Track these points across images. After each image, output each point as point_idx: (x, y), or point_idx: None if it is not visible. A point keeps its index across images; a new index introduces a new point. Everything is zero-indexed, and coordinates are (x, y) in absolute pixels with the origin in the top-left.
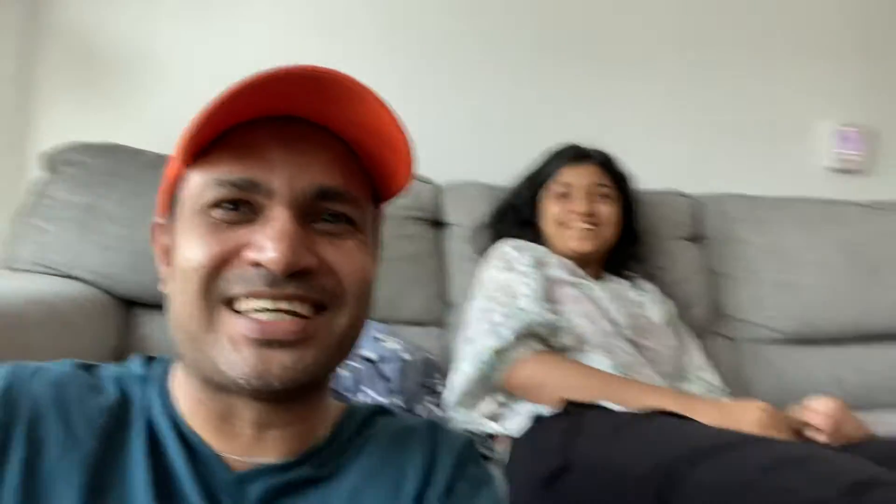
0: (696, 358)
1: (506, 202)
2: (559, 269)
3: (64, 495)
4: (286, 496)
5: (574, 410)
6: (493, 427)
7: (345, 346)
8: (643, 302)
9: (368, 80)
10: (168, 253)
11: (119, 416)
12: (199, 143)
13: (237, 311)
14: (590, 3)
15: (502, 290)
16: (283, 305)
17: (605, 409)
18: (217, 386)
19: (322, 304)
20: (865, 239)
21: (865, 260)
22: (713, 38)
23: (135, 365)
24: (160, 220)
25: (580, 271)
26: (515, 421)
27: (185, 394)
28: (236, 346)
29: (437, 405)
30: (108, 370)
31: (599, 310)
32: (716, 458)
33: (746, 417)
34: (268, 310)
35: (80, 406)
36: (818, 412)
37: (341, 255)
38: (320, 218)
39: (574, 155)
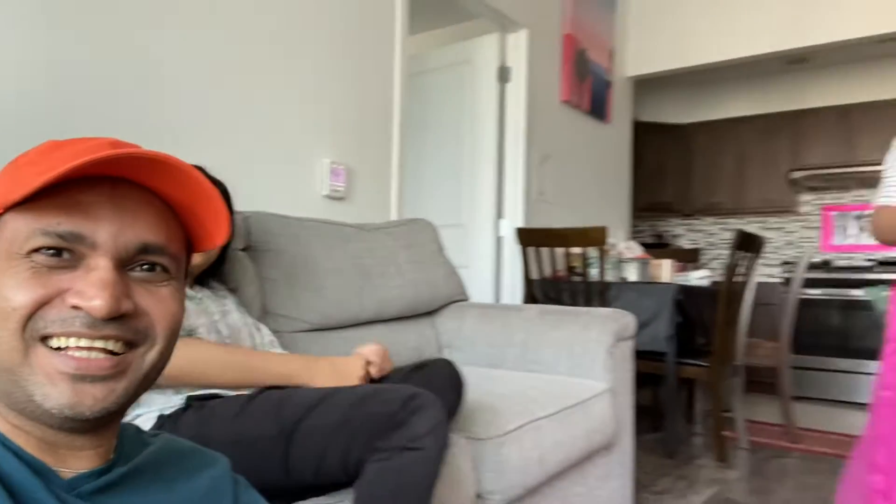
0: (267, 338)
1: None
2: None
3: None
4: (110, 493)
5: (196, 404)
6: None
7: (151, 378)
8: (228, 310)
9: None
10: None
11: None
12: (24, 197)
13: (52, 348)
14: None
15: None
16: (99, 344)
17: (222, 396)
18: (31, 416)
19: (134, 342)
20: (360, 252)
21: (361, 268)
22: (256, 81)
23: None
24: None
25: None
26: (142, 423)
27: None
28: (52, 381)
29: None
30: None
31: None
32: (319, 407)
33: (351, 367)
34: (82, 347)
35: None
36: (371, 353)
37: (155, 302)
38: (137, 266)
39: None
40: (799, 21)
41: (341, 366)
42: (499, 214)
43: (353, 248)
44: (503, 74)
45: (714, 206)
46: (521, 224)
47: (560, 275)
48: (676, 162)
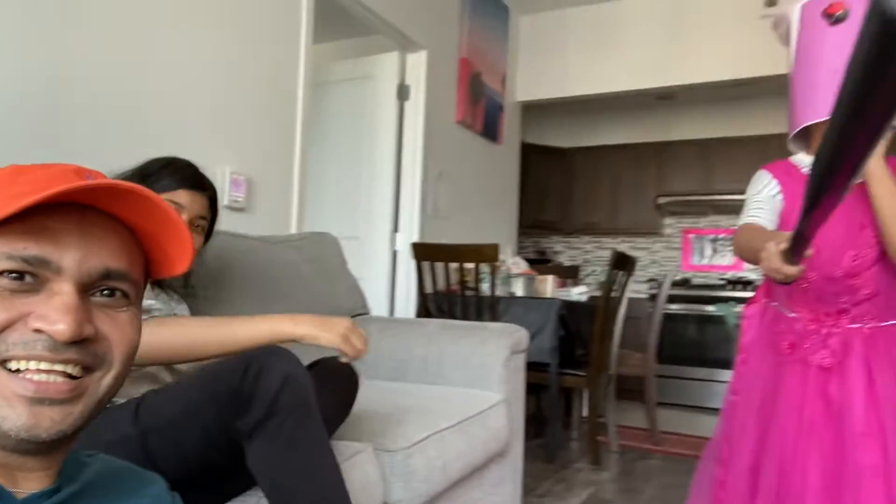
0: None
1: None
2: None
3: None
4: None
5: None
6: None
7: (104, 402)
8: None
9: None
10: None
11: None
12: None
13: (11, 371)
14: None
15: None
16: (59, 367)
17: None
18: None
19: (92, 367)
20: (265, 265)
21: (268, 281)
22: (154, 86)
23: None
24: None
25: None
26: None
27: None
28: (10, 403)
29: None
30: None
31: None
32: (164, 400)
33: (336, 320)
34: (41, 370)
35: None
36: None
37: (114, 327)
38: (98, 291)
39: (195, 180)
40: (666, 62)
41: (325, 318)
42: (395, 228)
43: (259, 260)
44: (402, 92)
45: (591, 225)
46: (415, 238)
47: (453, 289)
48: (559, 183)
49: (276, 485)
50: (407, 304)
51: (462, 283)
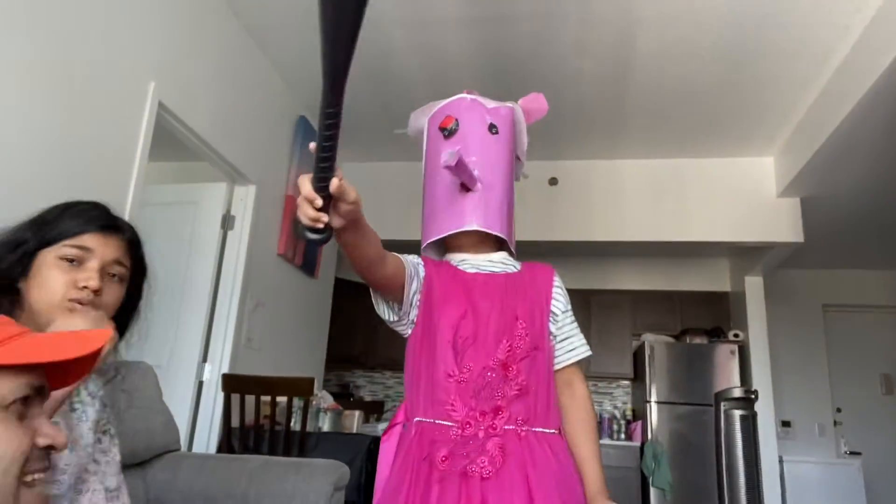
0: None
1: None
2: None
3: None
4: None
5: None
6: None
7: None
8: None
9: None
10: None
11: None
12: None
13: None
14: None
15: None
16: None
17: None
18: None
19: None
20: None
21: None
22: None
23: None
24: None
25: None
26: None
27: None
28: None
29: None
30: None
31: None
32: None
33: None
34: None
35: None
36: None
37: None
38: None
39: (104, 221)
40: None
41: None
42: (203, 358)
43: None
44: (227, 222)
45: (394, 361)
46: (225, 369)
47: (263, 423)
48: (365, 319)
49: None
50: (209, 438)
51: (270, 417)
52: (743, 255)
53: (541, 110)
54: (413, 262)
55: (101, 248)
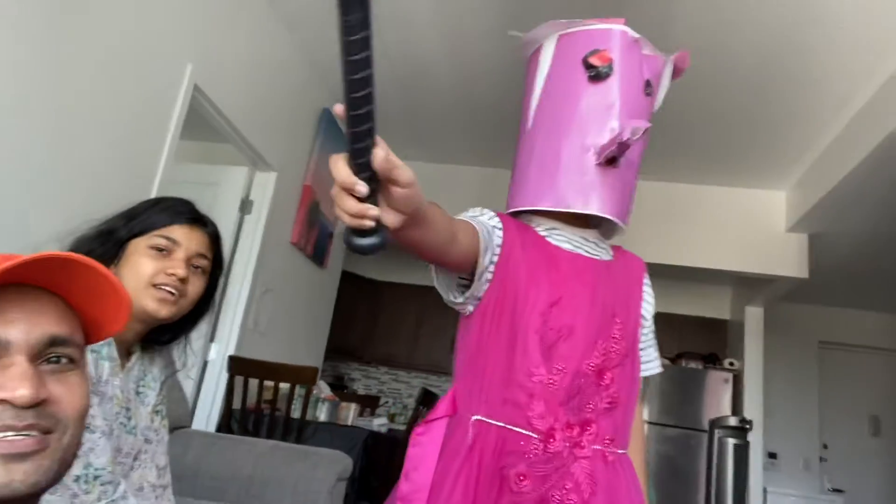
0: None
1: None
2: None
3: None
4: None
5: None
6: None
7: (68, 461)
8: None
9: None
10: None
11: None
12: None
13: None
14: None
15: None
16: (24, 433)
17: None
18: None
19: (50, 429)
20: None
21: None
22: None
23: None
24: None
25: None
26: None
27: None
28: None
29: None
30: None
31: None
32: None
33: None
34: (8, 438)
35: None
36: None
37: (66, 390)
38: (46, 359)
39: (191, 215)
40: None
41: None
42: (210, 339)
43: None
44: (245, 206)
45: (391, 357)
46: (231, 351)
47: (263, 407)
48: (365, 312)
49: None
50: (209, 417)
51: (271, 402)
52: (746, 284)
53: (681, 72)
54: (487, 227)
55: (187, 241)
